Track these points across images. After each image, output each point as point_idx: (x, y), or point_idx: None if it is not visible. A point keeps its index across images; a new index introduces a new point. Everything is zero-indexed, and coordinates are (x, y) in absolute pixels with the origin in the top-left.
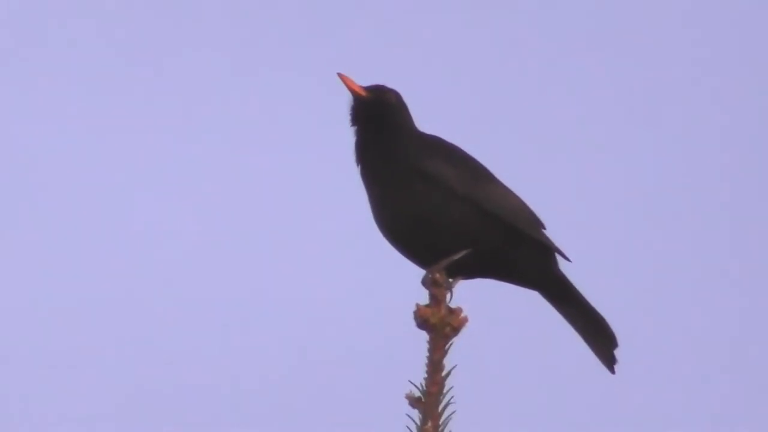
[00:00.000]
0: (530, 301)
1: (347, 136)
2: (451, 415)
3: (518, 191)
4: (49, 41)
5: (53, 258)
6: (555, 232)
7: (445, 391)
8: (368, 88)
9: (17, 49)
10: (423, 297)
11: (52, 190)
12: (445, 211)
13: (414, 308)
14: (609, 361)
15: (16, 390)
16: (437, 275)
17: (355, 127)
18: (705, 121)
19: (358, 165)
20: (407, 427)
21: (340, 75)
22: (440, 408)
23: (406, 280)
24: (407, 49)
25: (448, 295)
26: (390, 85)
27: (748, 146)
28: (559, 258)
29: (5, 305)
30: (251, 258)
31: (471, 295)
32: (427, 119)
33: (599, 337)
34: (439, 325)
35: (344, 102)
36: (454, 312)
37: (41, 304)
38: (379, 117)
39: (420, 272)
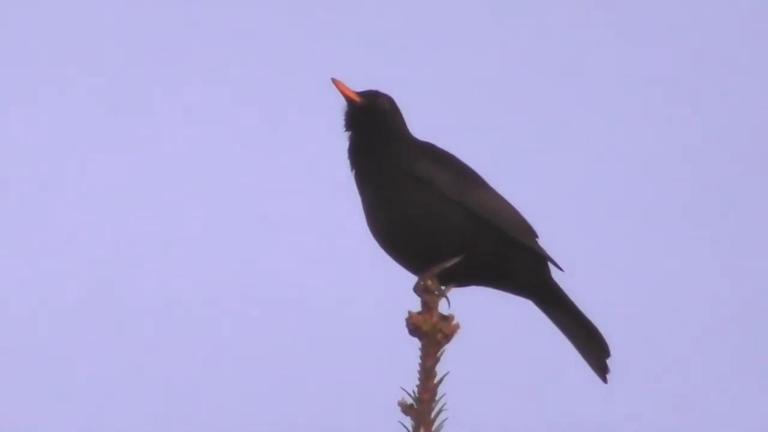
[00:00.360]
0: (523, 308)
1: (341, 140)
2: (443, 422)
3: (511, 200)
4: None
5: (53, 260)
6: (548, 241)
7: (437, 398)
8: (362, 94)
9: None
10: (415, 304)
11: (50, 193)
12: (437, 216)
13: (406, 315)
14: (601, 370)
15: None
16: (429, 282)
17: (349, 133)
18: (697, 131)
19: (352, 170)
20: None
21: (333, 80)
22: (432, 415)
23: (398, 287)
24: (401, 53)
25: (444, 302)
26: (384, 90)
27: (745, 158)
28: (551, 267)
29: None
30: (244, 263)
31: (463, 302)
32: (418, 123)
33: (591, 346)
34: (431, 332)
35: (338, 106)
36: (446, 319)
37: (41, 306)
38: (372, 122)
39: (412, 279)
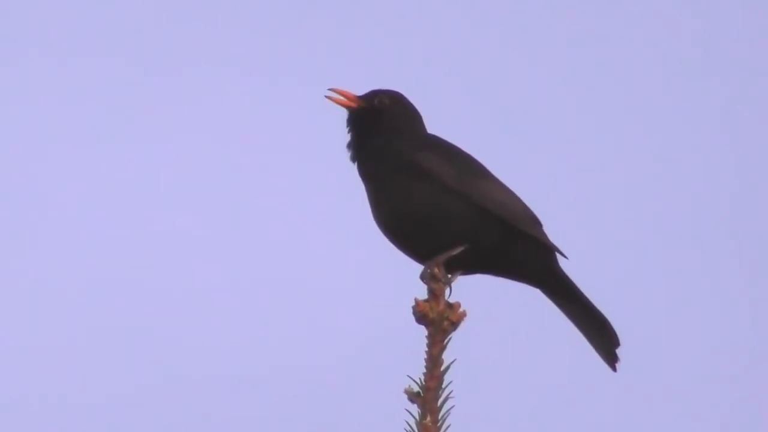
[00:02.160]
0: (529, 296)
1: (345, 133)
2: (450, 409)
3: (517, 188)
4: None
5: (55, 260)
6: (555, 229)
7: (443, 385)
8: (362, 97)
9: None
10: (422, 292)
11: (50, 194)
12: (439, 208)
13: (413, 303)
14: (611, 359)
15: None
16: (435, 270)
17: (351, 132)
18: (703, 115)
19: (354, 162)
20: (406, 422)
21: (330, 90)
22: (439, 402)
23: (404, 275)
24: (406, 47)
25: (447, 290)
26: (391, 85)
27: (749, 141)
28: (558, 256)
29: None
30: (250, 252)
31: (469, 289)
32: (424, 114)
33: (600, 335)
34: (438, 320)
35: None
36: (452, 307)
37: (41, 305)
38: (373, 120)
39: (419, 267)
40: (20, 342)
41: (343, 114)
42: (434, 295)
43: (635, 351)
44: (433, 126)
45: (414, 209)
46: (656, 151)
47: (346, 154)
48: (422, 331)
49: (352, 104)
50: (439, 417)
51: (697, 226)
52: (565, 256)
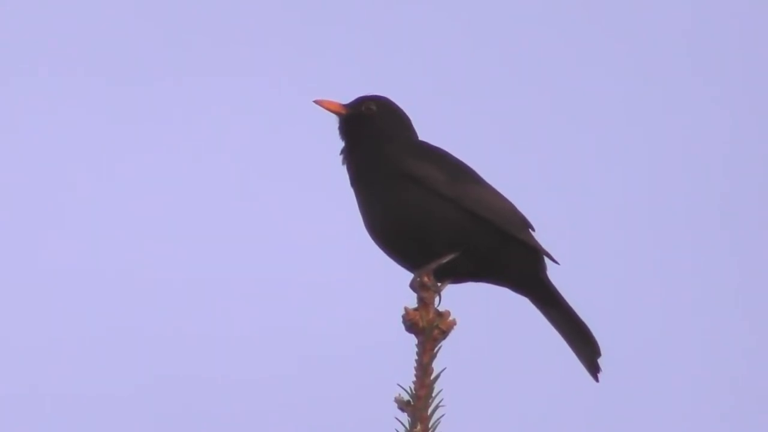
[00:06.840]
0: (519, 305)
1: (337, 142)
2: (440, 418)
3: (507, 193)
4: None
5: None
6: (544, 234)
7: (434, 394)
8: (349, 104)
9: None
10: (411, 300)
11: (51, 199)
12: (431, 214)
13: (402, 312)
14: (593, 369)
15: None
16: (425, 278)
17: (343, 139)
18: (695, 122)
19: (345, 167)
20: (396, 430)
21: (315, 102)
22: (429, 411)
23: (394, 284)
24: (398, 50)
25: (437, 299)
26: (379, 91)
27: (739, 147)
28: (548, 262)
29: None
30: (241, 259)
31: (459, 297)
32: (415, 120)
33: (583, 345)
34: (428, 328)
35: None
36: (442, 315)
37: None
38: (362, 127)
39: (408, 275)
40: (22, 343)
41: (335, 119)
42: (424, 303)
43: (617, 361)
44: (423, 130)
45: (405, 216)
46: (646, 156)
47: (339, 160)
48: (412, 339)
49: (341, 111)
50: (430, 426)
51: (684, 233)
52: (556, 262)
